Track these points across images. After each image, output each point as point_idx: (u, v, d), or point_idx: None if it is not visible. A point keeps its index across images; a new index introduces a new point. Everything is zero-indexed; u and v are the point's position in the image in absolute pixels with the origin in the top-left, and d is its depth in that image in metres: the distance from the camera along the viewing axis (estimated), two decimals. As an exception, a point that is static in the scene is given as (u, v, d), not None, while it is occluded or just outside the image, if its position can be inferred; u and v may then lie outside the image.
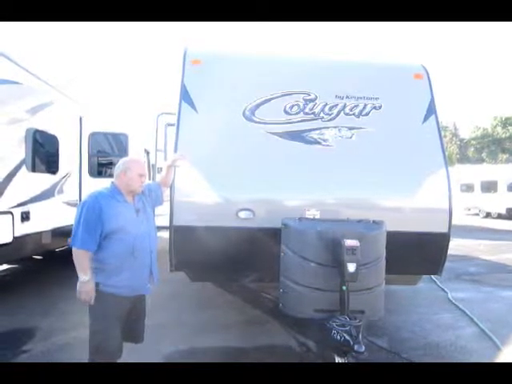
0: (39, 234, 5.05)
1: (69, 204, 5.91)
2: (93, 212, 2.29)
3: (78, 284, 2.29)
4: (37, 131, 5.03)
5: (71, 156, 6.06)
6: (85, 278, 2.27)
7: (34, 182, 4.95)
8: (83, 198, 2.46)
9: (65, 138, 5.77)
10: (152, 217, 2.61)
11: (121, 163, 2.50)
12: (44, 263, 6.60)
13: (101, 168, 6.70)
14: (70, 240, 2.38)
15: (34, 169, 4.98)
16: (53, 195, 5.43)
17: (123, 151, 6.73)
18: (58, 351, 3.37)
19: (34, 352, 3.37)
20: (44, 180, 5.25)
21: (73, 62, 7.22)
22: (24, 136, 4.77)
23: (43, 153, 5.32)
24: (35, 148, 4.98)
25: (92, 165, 6.51)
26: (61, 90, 5.75)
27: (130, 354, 2.53)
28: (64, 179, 5.78)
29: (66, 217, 5.82)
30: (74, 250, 2.30)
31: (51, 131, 5.39)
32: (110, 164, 6.92)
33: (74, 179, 6.18)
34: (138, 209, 2.47)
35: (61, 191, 5.66)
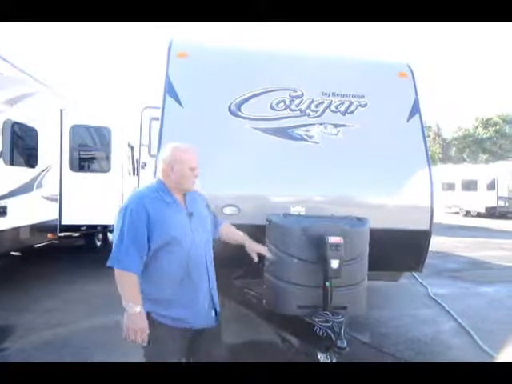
0: (17, 229, 4.91)
1: (48, 199, 5.76)
2: (138, 220, 1.72)
3: (126, 317, 1.71)
4: (15, 123, 4.88)
5: (51, 149, 5.91)
6: (135, 309, 1.69)
7: (11, 175, 4.81)
8: (117, 198, 1.75)
9: (44, 131, 5.62)
10: (208, 222, 2.01)
11: (167, 154, 1.86)
12: (23, 259, 6.42)
13: (82, 162, 6.56)
14: (109, 261, 1.75)
15: (11, 162, 4.83)
16: (31, 189, 5.29)
17: (106, 145, 6.60)
18: (36, 350, 3.28)
19: (12, 350, 3.28)
20: (22, 174, 5.10)
21: (55, 55, 7.03)
22: (1, 128, 4.62)
23: (22, 146, 5.18)
24: (13, 141, 4.84)
25: (73, 159, 6.37)
26: (41, 81, 5.58)
27: (121, 352, 2.48)
28: (43, 173, 5.63)
29: (45, 212, 5.67)
30: (119, 273, 1.71)
31: (30, 124, 5.24)
32: (93, 158, 6.78)
33: (55, 173, 6.03)
34: (192, 212, 1.87)
35: (40, 185, 5.51)
